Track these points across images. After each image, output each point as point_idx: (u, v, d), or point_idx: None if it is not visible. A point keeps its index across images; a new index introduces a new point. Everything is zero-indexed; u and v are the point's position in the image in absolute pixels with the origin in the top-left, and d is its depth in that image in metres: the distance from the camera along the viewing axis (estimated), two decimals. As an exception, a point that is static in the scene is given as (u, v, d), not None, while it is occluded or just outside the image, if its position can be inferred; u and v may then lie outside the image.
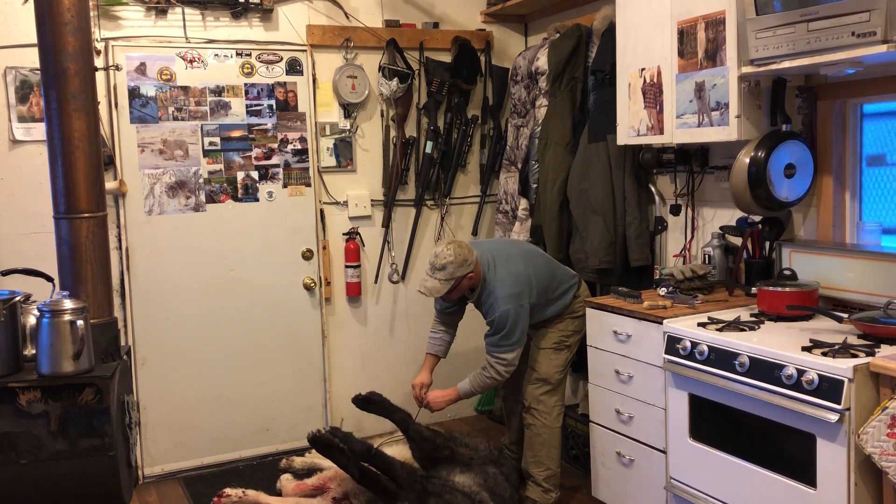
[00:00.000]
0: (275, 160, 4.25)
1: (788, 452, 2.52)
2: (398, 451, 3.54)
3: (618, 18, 3.52)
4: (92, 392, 2.69)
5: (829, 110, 3.07)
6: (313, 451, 3.86)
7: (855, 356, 2.38)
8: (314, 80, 4.31)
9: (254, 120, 4.19)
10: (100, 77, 3.47)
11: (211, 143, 4.11)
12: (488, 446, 3.44)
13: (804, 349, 2.48)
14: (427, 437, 3.30)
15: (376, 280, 4.55)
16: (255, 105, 4.18)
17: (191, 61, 4.03)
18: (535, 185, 4.22)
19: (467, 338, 4.23)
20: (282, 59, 4.22)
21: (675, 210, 3.72)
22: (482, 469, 3.22)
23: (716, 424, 2.81)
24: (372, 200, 4.50)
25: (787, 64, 2.69)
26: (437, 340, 3.72)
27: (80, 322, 2.66)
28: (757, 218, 3.25)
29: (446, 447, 3.28)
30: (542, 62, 4.11)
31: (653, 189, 3.84)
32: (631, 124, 3.48)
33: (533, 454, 3.57)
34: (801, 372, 2.42)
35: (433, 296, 3.41)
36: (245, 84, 4.15)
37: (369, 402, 3.43)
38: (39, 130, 3.70)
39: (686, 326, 2.92)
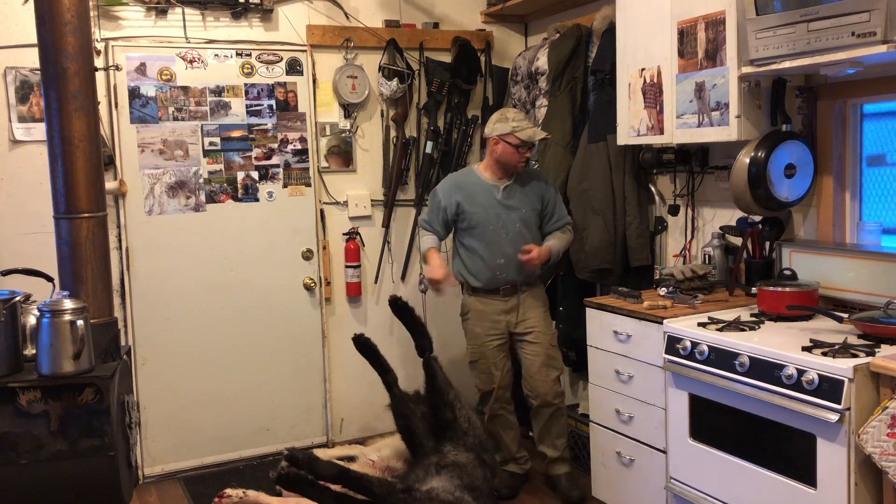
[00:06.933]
0: (275, 160, 4.25)
1: (788, 452, 2.52)
2: (390, 446, 3.52)
3: (618, 18, 3.52)
4: (92, 392, 2.69)
5: (829, 110, 3.07)
6: (320, 448, 3.87)
7: (855, 356, 2.38)
8: (314, 81, 4.30)
9: (254, 120, 4.19)
10: (100, 77, 3.47)
11: (211, 143, 4.11)
12: (480, 422, 3.43)
13: (804, 349, 2.48)
14: (440, 388, 3.30)
15: (376, 280, 4.55)
16: (255, 105, 4.18)
17: (191, 61, 4.03)
18: (535, 185, 4.22)
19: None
20: (282, 59, 4.22)
21: (675, 210, 3.72)
22: (456, 464, 3.11)
23: (716, 424, 2.81)
24: (372, 200, 4.50)
25: (787, 64, 2.69)
26: (432, 239, 3.75)
27: (80, 322, 2.66)
28: (757, 218, 3.25)
29: (450, 408, 3.27)
30: (542, 62, 4.11)
31: (653, 189, 3.83)
32: (631, 124, 3.48)
33: (559, 433, 3.74)
34: (801, 372, 2.42)
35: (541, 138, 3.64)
36: (245, 84, 4.15)
37: (403, 311, 3.51)
38: (39, 130, 3.69)
39: (686, 326, 2.92)
